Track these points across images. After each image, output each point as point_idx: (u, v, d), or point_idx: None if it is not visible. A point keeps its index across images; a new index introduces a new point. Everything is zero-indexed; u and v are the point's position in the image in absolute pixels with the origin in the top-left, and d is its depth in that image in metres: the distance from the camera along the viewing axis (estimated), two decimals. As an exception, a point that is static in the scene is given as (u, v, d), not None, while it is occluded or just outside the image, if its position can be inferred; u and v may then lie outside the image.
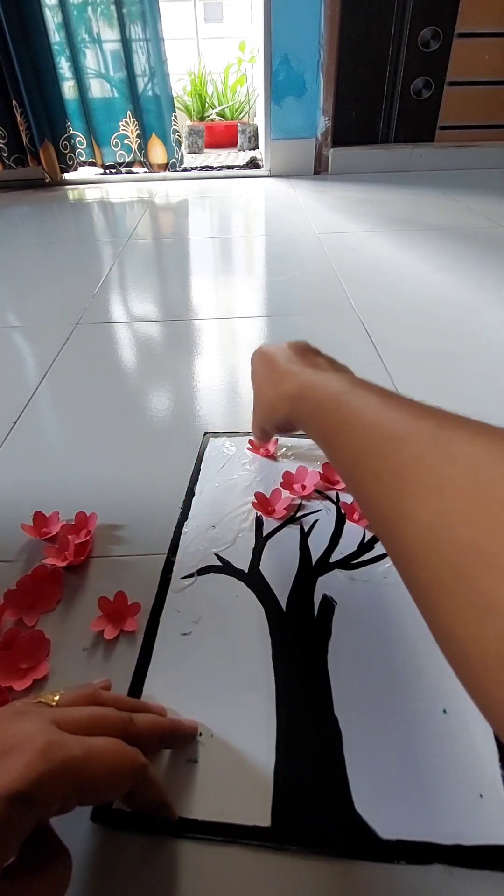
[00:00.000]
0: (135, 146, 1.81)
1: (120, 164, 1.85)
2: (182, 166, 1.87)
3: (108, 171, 1.88)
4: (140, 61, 1.67)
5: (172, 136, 1.79)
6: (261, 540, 0.41)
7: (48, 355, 0.72)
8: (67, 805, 0.20)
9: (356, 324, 0.77)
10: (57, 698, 0.24)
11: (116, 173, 1.89)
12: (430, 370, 0.65)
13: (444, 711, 0.30)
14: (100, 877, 0.24)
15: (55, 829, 0.22)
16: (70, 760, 0.20)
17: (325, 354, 0.40)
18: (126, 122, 1.77)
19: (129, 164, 1.86)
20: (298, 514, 0.44)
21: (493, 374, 0.64)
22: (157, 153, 1.83)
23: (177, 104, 2.57)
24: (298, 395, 0.32)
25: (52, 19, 1.59)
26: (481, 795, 0.26)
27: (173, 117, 1.77)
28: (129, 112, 1.75)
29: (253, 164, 1.98)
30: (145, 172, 1.89)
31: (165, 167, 1.85)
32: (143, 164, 1.85)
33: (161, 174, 1.88)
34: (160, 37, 1.63)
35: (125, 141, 1.80)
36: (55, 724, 0.21)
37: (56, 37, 1.62)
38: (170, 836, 0.25)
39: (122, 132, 1.79)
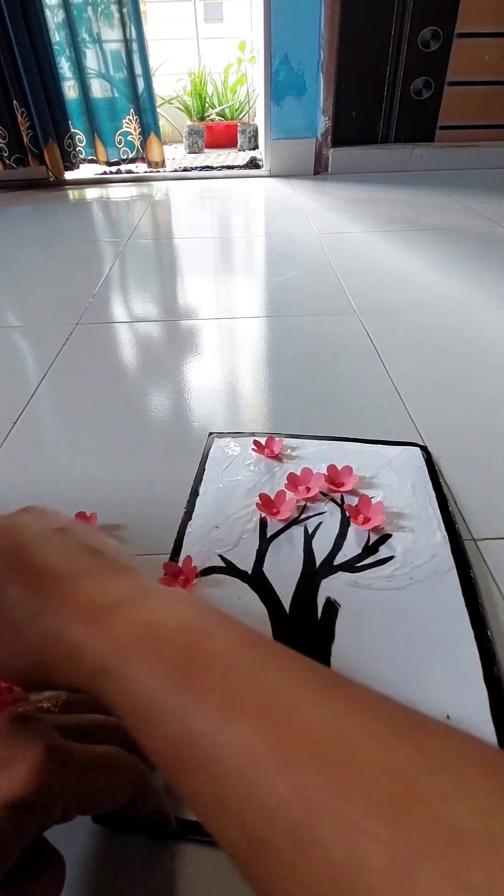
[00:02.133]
0: (137, 143, 1.82)
1: (124, 160, 1.85)
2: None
3: (110, 167, 1.88)
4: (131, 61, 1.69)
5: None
6: (265, 541, 0.41)
7: (48, 355, 0.71)
8: (68, 813, 0.20)
9: (356, 324, 0.77)
10: (59, 704, 0.24)
11: (118, 172, 1.90)
12: (430, 370, 0.65)
13: (448, 717, 0.29)
14: (101, 877, 0.24)
15: (58, 831, 0.21)
16: (73, 768, 0.19)
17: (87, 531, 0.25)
18: (129, 119, 1.78)
19: (133, 160, 1.86)
20: (302, 516, 0.43)
21: (494, 373, 0.64)
22: (155, 151, 1.84)
23: (177, 104, 2.58)
24: (102, 670, 0.18)
25: (53, 19, 1.59)
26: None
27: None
28: (131, 110, 1.76)
29: (253, 164, 1.98)
30: (146, 171, 1.89)
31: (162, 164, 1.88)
32: (144, 161, 1.87)
33: (162, 174, 1.89)
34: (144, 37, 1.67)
35: (128, 138, 1.81)
36: (57, 731, 0.21)
37: (57, 36, 1.62)
38: (171, 837, 0.25)
39: (125, 129, 1.79)
